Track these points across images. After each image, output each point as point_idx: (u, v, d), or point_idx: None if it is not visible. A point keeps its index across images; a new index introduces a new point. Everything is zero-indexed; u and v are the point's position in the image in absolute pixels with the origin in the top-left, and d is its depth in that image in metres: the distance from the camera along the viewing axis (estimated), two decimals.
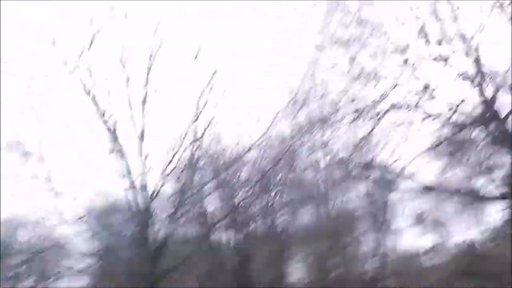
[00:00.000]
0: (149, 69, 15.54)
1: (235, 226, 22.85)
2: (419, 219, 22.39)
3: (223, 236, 23.86)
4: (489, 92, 13.47)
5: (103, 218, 18.45)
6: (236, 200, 20.09)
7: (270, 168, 18.07)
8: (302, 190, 22.22)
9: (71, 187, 14.85)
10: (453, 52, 13.49)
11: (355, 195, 22.92)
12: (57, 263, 21.13)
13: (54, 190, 14.68)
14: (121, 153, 15.16)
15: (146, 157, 15.39)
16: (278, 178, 22.10)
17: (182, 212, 16.45)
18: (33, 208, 15.08)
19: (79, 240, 16.91)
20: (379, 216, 23.19)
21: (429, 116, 13.98)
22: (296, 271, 26.93)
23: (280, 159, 17.70)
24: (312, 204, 23.43)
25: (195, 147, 15.96)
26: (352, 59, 14.48)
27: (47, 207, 14.90)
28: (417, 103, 13.94)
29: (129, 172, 15.21)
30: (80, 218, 15.56)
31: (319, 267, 25.32)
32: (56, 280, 24.59)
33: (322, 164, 21.56)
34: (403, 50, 13.80)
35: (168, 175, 15.58)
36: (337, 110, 15.32)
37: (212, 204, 21.94)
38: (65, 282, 25.11)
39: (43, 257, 22.06)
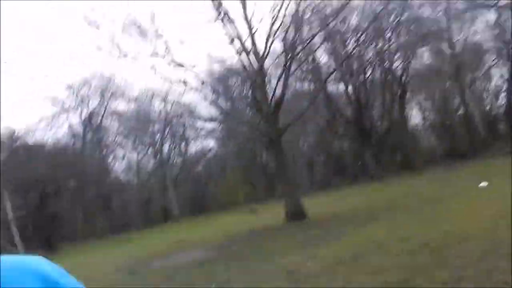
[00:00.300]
0: None
1: (350, 75, 22.49)
2: None
3: (339, 86, 23.82)
4: None
5: (221, 82, 19.49)
6: (349, 49, 19.41)
7: (381, 10, 16.67)
8: (420, 29, 20.44)
9: (188, 58, 15.52)
10: None
11: (481, 27, 20.56)
12: (188, 127, 23.48)
13: (174, 61, 15.46)
14: (227, 18, 15.11)
15: (251, 18, 15.16)
16: (391, 19, 20.52)
17: (295, 67, 16.45)
18: (161, 80, 16.16)
19: (204, 106, 18.22)
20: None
21: None
22: (417, 114, 26.38)
23: None
24: (432, 42, 21.63)
25: None
26: None
27: (172, 78, 15.89)
28: None
29: (237, 36, 15.28)
30: (201, 84, 16.46)
31: (442, 108, 24.40)
32: (189, 142, 27.75)
33: None
34: None
35: (275, 33, 15.32)
36: None
37: (324, 56, 21.62)
38: (197, 144, 28.28)
39: (176, 123, 24.67)
